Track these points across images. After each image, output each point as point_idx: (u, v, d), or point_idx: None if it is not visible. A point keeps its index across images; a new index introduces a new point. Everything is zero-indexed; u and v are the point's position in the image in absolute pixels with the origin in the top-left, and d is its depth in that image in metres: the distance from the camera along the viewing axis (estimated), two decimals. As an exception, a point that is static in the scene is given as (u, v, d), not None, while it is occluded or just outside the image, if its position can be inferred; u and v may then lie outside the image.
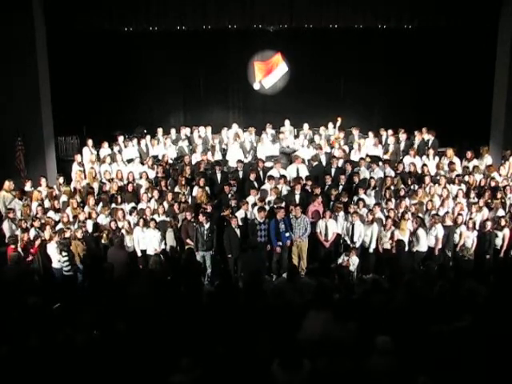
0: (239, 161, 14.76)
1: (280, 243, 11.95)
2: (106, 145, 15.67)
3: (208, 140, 16.55)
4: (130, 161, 15.14)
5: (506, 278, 9.48)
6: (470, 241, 11.82)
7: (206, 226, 11.66)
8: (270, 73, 17.27)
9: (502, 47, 16.53)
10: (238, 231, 11.80)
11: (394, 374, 5.89)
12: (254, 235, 11.80)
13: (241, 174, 14.40)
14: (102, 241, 11.52)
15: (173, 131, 16.72)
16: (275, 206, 12.23)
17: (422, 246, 11.73)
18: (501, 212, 12.28)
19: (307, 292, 8.52)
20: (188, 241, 11.88)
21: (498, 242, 11.81)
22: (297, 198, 12.94)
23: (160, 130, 16.60)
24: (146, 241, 11.72)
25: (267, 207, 12.42)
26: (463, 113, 17.49)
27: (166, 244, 11.86)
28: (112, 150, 15.59)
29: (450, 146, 15.39)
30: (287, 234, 11.92)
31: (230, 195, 12.91)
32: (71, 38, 16.69)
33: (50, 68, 15.77)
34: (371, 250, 12.01)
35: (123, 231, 11.70)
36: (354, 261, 11.37)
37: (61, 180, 13.83)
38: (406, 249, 11.71)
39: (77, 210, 12.17)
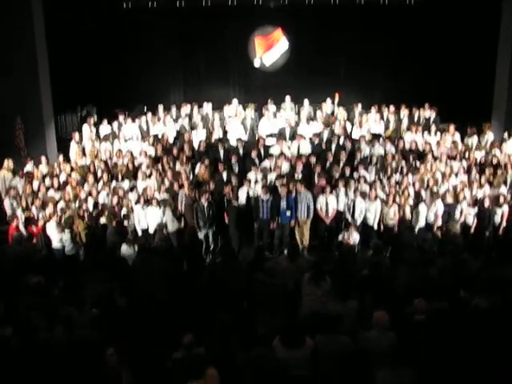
0: (239, 139, 14.76)
1: (280, 220, 12.05)
2: (105, 122, 15.69)
3: (208, 117, 16.50)
4: (129, 139, 15.12)
5: (503, 255, 9.57)
6: (470, 217, 11.91)
7: (206, 203, 11.70)
8: (270, 48, 17.19)
9: (506, 23, 16.43)
10: (240, 208, 12.04)
11: (393, 349, 5.96)
12: (256, 212, 11.97)
13: (241, 151, 14.36)
14: (103, 219, 11.58)
15: (173, 109, 16.72)
16: (277, 184, 12.27)
17: (421, 222, 11.83)
18: (502, 189, 12.30)
19: (307, 269, 8.51)
20: (189, 219, 11.95)
21: (497, 219, 11.87)
22: (299, 175, 13.00)
23: (161, 107, 16.58)
24: (148, 219, 11.78)
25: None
26: (465, 89, 17.37)
27: (166, 222, 11.89)
28: (112, 127, 15.63)
29: (452, 122, 15.33)
30: (288, 213, 11.98)
31: (230, 172, 13.00)
32: (70, 15, 16.57)
33: (48, 46, 15.65)
34: (375, 227, 12.05)
35: (124, 209, 11.77)
36: (354, 237, 11.33)
37: (61, 158, 13.86)
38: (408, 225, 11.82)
39: (77, 189, 12.24)
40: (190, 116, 16.48)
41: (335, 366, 6.18)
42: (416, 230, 11.90)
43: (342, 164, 13.32)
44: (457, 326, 6.72)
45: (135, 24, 18.12)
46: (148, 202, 11.72)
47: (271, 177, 12.91)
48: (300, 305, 7.87)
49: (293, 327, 6.32)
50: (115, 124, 15.70)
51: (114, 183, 12.70)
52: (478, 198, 12.13)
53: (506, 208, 11.79)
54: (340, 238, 11.43)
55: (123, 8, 16.95)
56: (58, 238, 11.04)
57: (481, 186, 12.40)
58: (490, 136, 14.91)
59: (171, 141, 15.36)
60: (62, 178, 13.00)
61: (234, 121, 16.02)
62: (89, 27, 17.43)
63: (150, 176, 12.86)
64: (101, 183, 12.62)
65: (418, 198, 12.00)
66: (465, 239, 11.66)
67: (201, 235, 11.93)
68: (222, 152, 14.23)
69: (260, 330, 6.72)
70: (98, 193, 12.26)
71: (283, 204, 11.91)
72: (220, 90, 19.28)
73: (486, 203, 11.76)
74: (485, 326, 6.58)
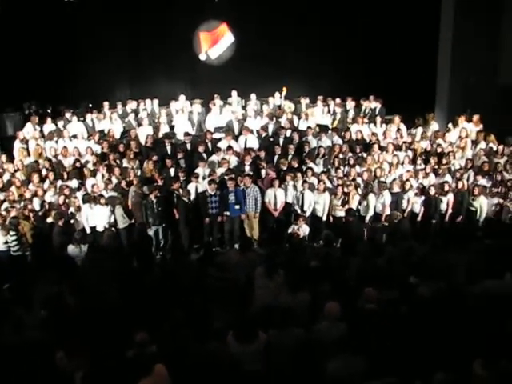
0: (186, 133, 14.60)
1: (227, 213, 12.11)
2: (49, 120, 15.37)
3: (155, 113, 16.40)
4: (74, 136, 14.80)
5: (448, 241, 9.84)
6: (417, 206, 12.12)
7: (155, 200, 11.66)
8: (215, 43, 17.01)
9: (446, 15, 16.75)
10: (190, 204, 11.97)
11: (345, 341, 5.99)
12: (204, 207, 11.95)
13: (189, 146, 14.26)
14: (50, 219, 11.35)
15: (119, 106, 16.52)
16: (226, 178, 12.27)
17: (371, 212, 12.02)
18: (447, 177, 12.55)
19: (260, 263, 8.52)
20: (139, 216, 11.87)
21: (443, 206, 12.08)
22: (247, 169, 13.01)
23: (106, 104, 16.37)
24: (95, 217, 11.64)
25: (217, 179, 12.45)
26: (409, 81, 17.58)
27: (115, 220, 11.79)
28: (56, 125, 15.32)
29: (397, 113, 15.60)
30: (237, 207, 12.04)
31: (178, 168, 12.97)
32: (9, 8, 16.20)
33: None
34: (324, 219, 12.14)
35: (72, 209, 11.58)
36: (304, 229, 11.33)
37: (3, 158, 13.54)
38: (356, 215, 11.93)
39: (21, 189, 11.99)
40: (136, 112, 16.29)
41: (288, 359, 6.21)
42: (366, 220, 12.05)
43: (289, 157, 13.39)
44: (407, 314, 6.85)
45: (79, 18, 17.71)
46: (95, 200, 11.56)
47: (219, 171, 12.89)
48: (252, 298, 7.88)
49: (245, 321, 6.33)
50: (60, 122, 15.38)
51: (59, 182, 12.45)
52: (424, 186, 12.33)
53: (451, 196, 12.01)
54: (290, 230, 11.39)
55: (66, 1, 16.52)
56: (2, 240, 10.75)
57: (426, 175, 12.61)
58: (434, 126, 15.18)
59: (117, 137, 15.14)
60: (6, 177, 12.67)
61: (181, 116, 15.93)
62: (30, 21, 17.01)
63: (96, 174, 12.70)
64: (47, 182, 12.38)
65: (366, 189, 12.13)
66: (412, 227, 11.83)
67: (150, 232, 11.80)
68: (169, 148, 14.16)
69: (216, 324, 6.71)
70: (45, 192, 12.01)
71: (232, 198, 11.97)
72: (166, 86, 19.06)
73: (432, 191, 11.98)
74: (429, 314, 6.71)
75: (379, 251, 9.21)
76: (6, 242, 10.78)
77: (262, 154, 13.39)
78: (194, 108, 16.33)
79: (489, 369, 5.40)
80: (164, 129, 15.54)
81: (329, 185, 12.34)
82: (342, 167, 12.90)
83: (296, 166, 12.98)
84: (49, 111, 17.00)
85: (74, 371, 5.83)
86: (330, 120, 16.05)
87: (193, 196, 12.23)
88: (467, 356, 5.64)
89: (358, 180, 12.44)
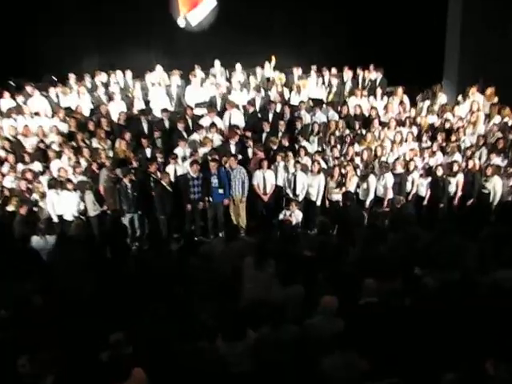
0: (164, 109, 14.56)
1: (210, 199, 12.19)
2: (7, 95, 15.12)
3: (128, 86, 16.27)
4: (37, 113, 14.64)
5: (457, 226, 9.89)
6: (423, 188, 12.19)
7: (129, 184, 11.68)
8: (195, 6, 16.90)
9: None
10: (170, 189, 11.88)
11: (340, 335, 6.11)
12: (185, 192, 11.95)
13: (167, 123, 14.25)
14: (10, 207, 11.31)
15: (87, 78, 16.35)
16: (209, 158, 12.27)
17: (371, 195, 12.08)
18: (457, 156, 12.51)
19: (248, 253, 8.55)
20: (111, 203, 11.88)
21: (452, 188, 12.10)
22: (232, 148, 13.06)
23: (72, 77, 16.09)
24: (63, 205, 11.64)
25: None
26: (413, 47, 17.44)
27: (85, 208, 11.81)
28: (15, 101, 15.09)
29: (400, 84, 15.53)
30: (220, 191, 12.12)
31: (155, 148, 12.95)
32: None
33: None
34: (318, 203, 12.22)
35: (35, 195, 11.57)
36: (297, 215, 11.41)
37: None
38: (355, 199, 12.12)
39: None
40: (107, 85, 16.16)
41: (281, 359, 6.27)
42: (366, 204, 12.09)
43: (280, 134, 13.40)
44: (411, 308, 6.96)
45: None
46: (62, 185, 11.54)
47: (201, 151, 12.85)
48: (240, 292, 7.97)
49: (233, 318, 6.44)
50: (19, 97, 15.19)
51: (20, 166, 12.41)
52: (431, 166, 12.31)
53: (460, 177, 12.00)
54: (281, 216, 11.47)
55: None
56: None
57: (433, 153, 12.62)
58: (442, 99, 15.11)
59: (86, 114, 15.03)
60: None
61: (158, 90, 15.86)
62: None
63: (62, 156, 12.64)
64: (6, 166, 12.35)
65: (366, 170, 12.17)
66: (417, 212, 11.99)
67: (125, 220, 11.87)
68: (145, 125, 14.11)
69: (202, 316, 6.84)
70: (3, 176, 12.00)
71: (215, 181, 12.04)
72: (140, 56, 18.67)
73: (439, 172, 11.97)
74: (435, 307, 6.77)
75: (380, 238, 9.29)
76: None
77: (249, 132, 13.40)
78: (173, 80, 16.18)
79: (502, 370, 5.41)
80: (138, 104, 15.43)
81: (324, 165, 12.42)
82: (338, 146, 12.93)
83: (287, 144, 13.00)
84: (10, 84, 16.66)
85: (42, 377, 5.85)
86: (325, 93, 15.96)
87: (172, 179, 12.15)
88: (478, 355, 5.61)
89: (357, 160, 12.48)
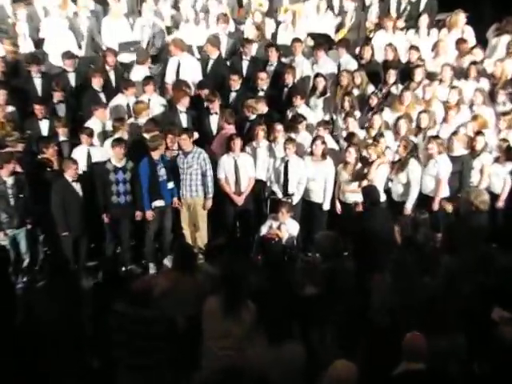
0: (68, 54, 13.35)
1: (160, 203, 11.17)
2: None
3: (6, 15, 14.92)
4: None
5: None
6: (499, 180, 11.25)
7: (11, 181, 10.65)
8: None
9: None
10: (78, 187, 10.96)
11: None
12: (104, 193, 11.20)
13: (73, 78, 13.25)
14: None
15: None
16: (146, 136, 11.37)
17: (414, 194, 11.18)
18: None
19: (211, 292, 7.80)
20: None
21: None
22: (183, 119, 12.04)
23: None
24: None
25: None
26: None
27: None
28: None
29: (460, 7, 14.42)
30: (170, 186, 11.31)
31: (54, 120, 12.06)
32: None
33: None
34: (325, 208, 11.38)
35: None
36: (289, 227, 10.52)
37: None
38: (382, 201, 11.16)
39: None
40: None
41: None
42: (405, 208, 11.14)
43: (260, 94, 12.69)
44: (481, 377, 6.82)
45: None
46: None
47: (133, 124, 12.02)
48: (199, 356, 7.41)
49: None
50: None
51: None
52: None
53: None
54: (264, 230, 10.67)
55: None
56: None
57: (514, 124, 11.67)
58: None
59: None
60: None
61: (57, 20, 14.47)
62: None
63: None
64: None
65: (406, 152, 11.17)
66: (491, 220, 10.94)
67: (4, 241, 10.69)
68: (37, 81, 13.10)
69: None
70: None
71: (162, 172, 11.19)
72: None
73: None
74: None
75: (427, 265, 8.46)
76: None
77: (210, 91, 12.49)
78: (82, 4, 14.86)
79: None
80: (26, 45, 14.29)
81: (333, 145, 11.70)
82: (356, 113, 12.12)
83: (273, 111, 12.30)
84: None
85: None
86: (335, 24, 14.93)
87: (83, 170, 11.26)
88: None
89: (388, 136, 11.57)
